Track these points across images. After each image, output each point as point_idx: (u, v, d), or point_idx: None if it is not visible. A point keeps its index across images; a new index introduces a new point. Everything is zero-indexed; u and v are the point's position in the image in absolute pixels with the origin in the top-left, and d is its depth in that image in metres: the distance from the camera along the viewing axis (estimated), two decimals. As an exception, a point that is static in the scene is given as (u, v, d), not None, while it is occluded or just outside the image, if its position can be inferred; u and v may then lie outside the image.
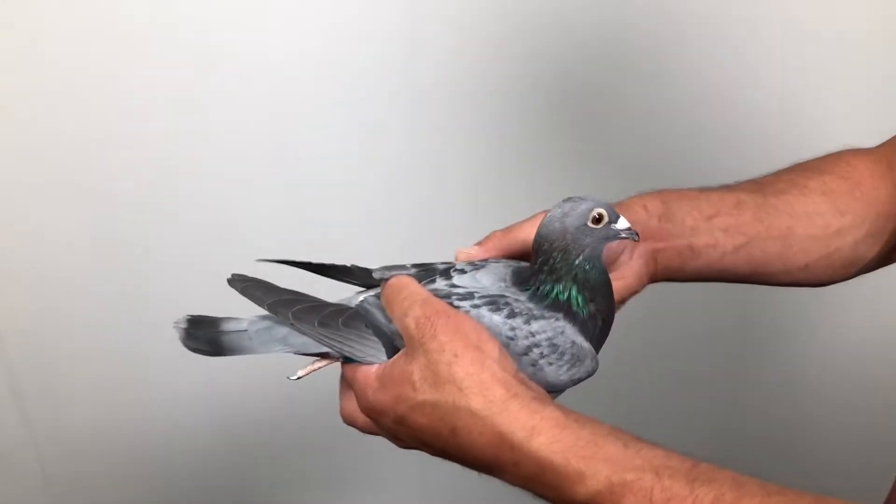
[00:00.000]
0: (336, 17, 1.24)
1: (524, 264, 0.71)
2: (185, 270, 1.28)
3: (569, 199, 0.67)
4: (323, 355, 0.68)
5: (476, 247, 0.74)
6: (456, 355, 0.63)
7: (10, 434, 1.35)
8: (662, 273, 0.80)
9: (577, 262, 0.66)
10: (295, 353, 0.67)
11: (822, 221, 0.80)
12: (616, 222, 0.67)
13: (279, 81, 1.25)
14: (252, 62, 1.24)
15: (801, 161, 0.85)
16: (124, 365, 1.34)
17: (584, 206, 0.67)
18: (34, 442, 1.36)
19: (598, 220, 0.67)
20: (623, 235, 0.68)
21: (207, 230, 1.28)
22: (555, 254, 0.67)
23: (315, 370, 0.68)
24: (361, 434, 0.70)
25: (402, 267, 0.70)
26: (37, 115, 1.20)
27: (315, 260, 0.71)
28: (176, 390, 1.35)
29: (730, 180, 0.84)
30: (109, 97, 1.21)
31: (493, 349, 0.64)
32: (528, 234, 0.73)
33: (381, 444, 0.72)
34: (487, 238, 0.75)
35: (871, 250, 0.81)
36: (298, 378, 0.68)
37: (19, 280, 1.27)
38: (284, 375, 0.69)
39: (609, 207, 0.68)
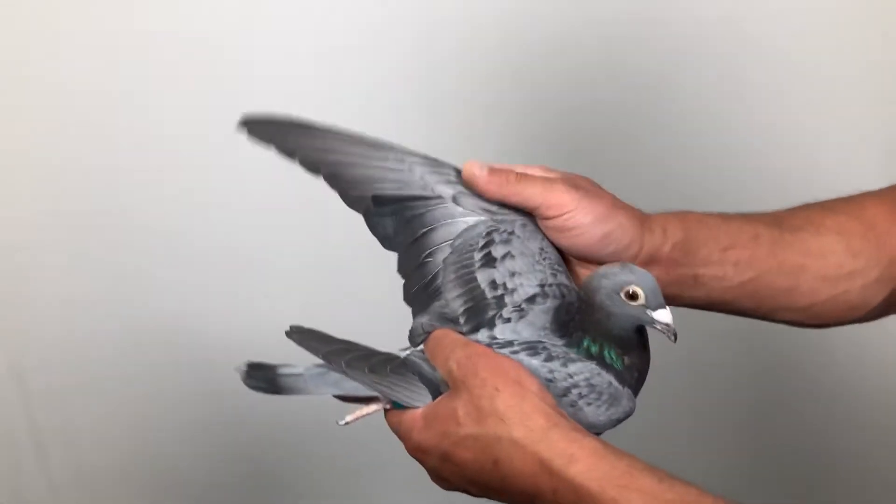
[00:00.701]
0: (344, 35, 1.27)
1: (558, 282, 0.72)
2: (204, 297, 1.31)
3: (623, 265, 0.69)
4: (371, 400, 0.72)
5: (486, 175, 0.73)
6: (497, 389, 0.65)
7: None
8: None
9: (605, 324, 0.68)
10: (346, 396, 0.71)
11: (835, 261, 0.79)
12: (655, 310, 0.67)
13: (287, 98, 1.25)
14: (258, 83, 1.26)
15: (816, 201, 0.85)
16: (148, 404, 1.36)
17: (622, 278, 0.67)
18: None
19: (631, 296, 0.67)
20: (658, 328, 0.67)
21: (227, 257, 1.30)
22: (588, 308, 0.69)
23: (363, 416, 0.72)
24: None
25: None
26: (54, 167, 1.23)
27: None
28: (202, 429, 1.37)
29: (734, 199, 0.85)
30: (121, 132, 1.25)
31: (532, 384, 0.67)
32: (536, 195, 0.72)
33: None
34: (499, 174, 0.73)
35: (878, 296, 0.81)
36: (346, 423, 0.72)
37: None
38: (334, 420, 0.73)
39: (653, 290, 0.67)
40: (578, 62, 1.29)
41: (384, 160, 0.74)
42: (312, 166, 0.74)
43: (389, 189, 0.74)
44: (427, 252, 0.74)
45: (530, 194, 0.72)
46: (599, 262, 0.73)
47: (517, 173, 0.73)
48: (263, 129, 0.74)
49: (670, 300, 0.75)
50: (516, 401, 0.65)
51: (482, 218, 0.74)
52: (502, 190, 0.73)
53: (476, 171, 0.73)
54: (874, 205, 0.83)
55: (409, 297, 0.74)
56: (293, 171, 1.28)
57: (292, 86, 1.27)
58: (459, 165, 0.75)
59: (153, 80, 1.24)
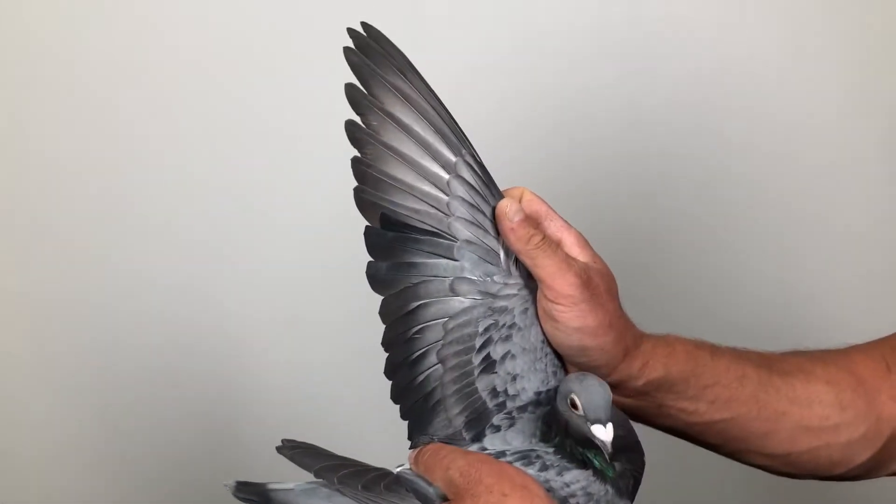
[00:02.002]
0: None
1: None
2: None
3: (580, 374, 0.68)
4: None
5: (516, 223, 0.69)
6: (504, 494, 0.64)
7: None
8: None
9: (572, 431, 0.67)
10: None
11: (821, 412, 0.77)
12: (593, 424, 0.65)
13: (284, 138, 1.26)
14: (255, 120, 1.25)
15: (808, 349, 0.82)
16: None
17: (567, 386, 0.67)
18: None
19: (573, 405, 0.66)
20: (596, 443, 0.65)
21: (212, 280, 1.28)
22: (558, 415, 0.69)
23: None
24: None
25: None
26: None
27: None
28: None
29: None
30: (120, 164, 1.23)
31: (539, 489, 0.65)
32: (543, 270, 0.69)
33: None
34: (527, 228, 0.69)
35: (862, 454, 0.78)
36: None
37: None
38: None
39: (593, 404, 0.65)
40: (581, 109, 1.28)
41: (435, 158, 0.69)
42: (362, 137, 0.69)
43: (404, 211, 0.69)
44: (417, 328, 0.71)
45: (543, 265, 0.69)
46: (573, 364, 0.72)
47: (544, 236, 0.69)
48: (367, 47, 0.69)
49: (630, 418, 0.74)
50: None
51: (479, 300, 0.71)
52: (519, 245, 0.69)
53: (510, 211, 0.69)
54: (862, 360, 0.80)
55: (402, 406, 0.72)
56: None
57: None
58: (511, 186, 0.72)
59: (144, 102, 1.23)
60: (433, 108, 0.69)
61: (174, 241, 1.27)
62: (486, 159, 0.71)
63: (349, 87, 0.69)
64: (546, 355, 0.71)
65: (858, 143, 1.30)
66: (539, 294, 0.70)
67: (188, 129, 1.26)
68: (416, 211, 0.69)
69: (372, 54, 0.69)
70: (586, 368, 0.71)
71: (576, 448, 0.68)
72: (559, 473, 0.68)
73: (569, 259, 0.69)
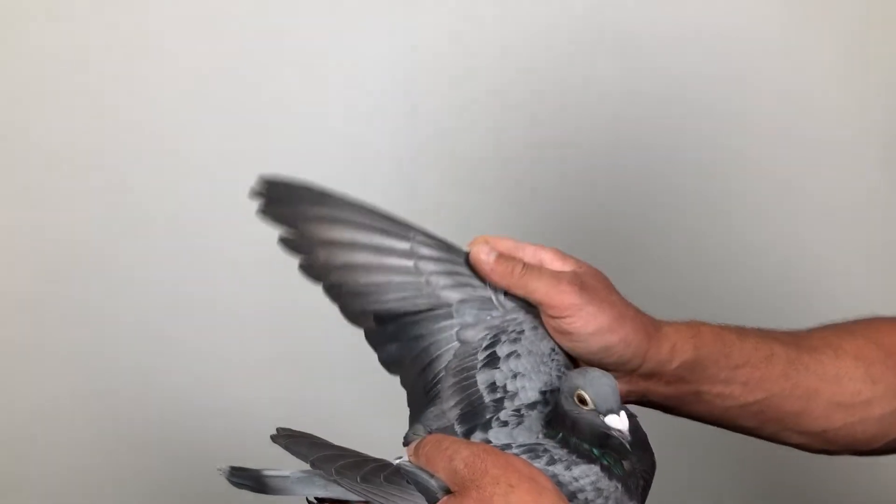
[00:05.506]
0: (334, 77, 1.25)
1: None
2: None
3: (582, 369, 0.67)
4: None
5: (493, 263, 0.70)
6: (511, 486, 0.62)
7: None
8: (649, 405, 0.77)
9: (580, 429, 0.66)
10: (334, 500, 0.68)
11: (852, 388, 0.77)
12: (605, 415, 0.64)
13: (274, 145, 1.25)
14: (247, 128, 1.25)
15: (833, 322, 0.82)
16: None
17: (572, 382, 0.66)
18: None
19: (582, 401, 0.65)
20: (612, 434, 0.65)
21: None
22: (564, 414, 0.67)
23: None
24: None
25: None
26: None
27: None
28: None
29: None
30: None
31: (547, 482, 0.63)
32: (539, 291, 0.70)
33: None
34: (506, 263, 0.71)
35: None
36: None
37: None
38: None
39: (602, 395, 0.65)
40: (574, 112, 1.28)
41: (389, 267, 0.71)
42: (315, 278, 0.71)
43: (392, 303, 0.71)
44: (434, 378, 0.72)
45: (534, 289, 0.70)
46: (604, 367, 0.70)
47: (524, 264, 0.70)
48: (277, 207, 0.71)
49: (668, 412, 0.76)
50: (532, 497, 0.62)
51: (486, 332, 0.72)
52: (506, 281, 0.70)
53: (483, 256, 0.71)
54: (888, 330, 0.80)
55: (410, 403, 0.72)
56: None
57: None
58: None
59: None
60: (365, 215, 0.71)
61: (173, 242, 1.27)
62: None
63: (282, 241, 0.70)
64: (554, 360, 0.70)
65: (860, 118, 1.29)
66: (544, 317, 0.71)
67: (187, 129, 1.25)
68: (403, 298, 0.71)
69: (285, 201, 0.70)
70: (618, 366, 0.70)
71: (582, 446, 0.66)
72: (568, 468, 0.66)
73: (556, 273, 0.70)
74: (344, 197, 0.71)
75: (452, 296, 0.72)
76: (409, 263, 0.71)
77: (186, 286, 1.27)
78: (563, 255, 0.72)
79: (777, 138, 1.30)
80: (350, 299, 0.71)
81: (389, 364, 0.72)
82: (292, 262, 1.28)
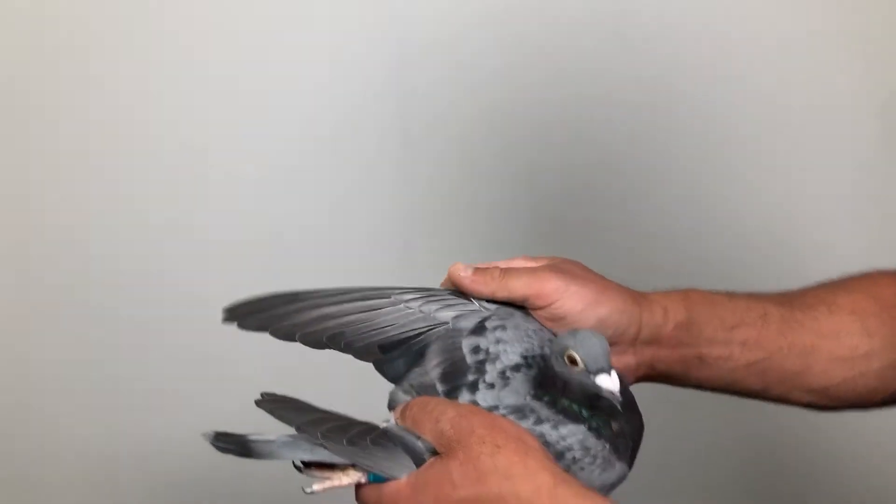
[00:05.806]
0: (326, 70, 1.26)
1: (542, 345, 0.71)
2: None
3: (572, 330, 0.68)
4: (345, 468, 0.68)
5: (471, 275, 0.73)
6: (498, 446, 0.63)
7: None
8: (658, 378, 0.78)
9: (570, 390, 0.66)
10: (321, 463, 0.68)
11: (849, 342, 0.77)
12: (596, 374, 0.65)
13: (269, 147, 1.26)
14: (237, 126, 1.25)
15: (828, 279, 0.83)
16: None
17: (561, 343, 0.66)
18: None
19: (572, 361, 0.66)
20: (602, 394, 0.65)
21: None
22: (554, 376, 0.67)
23: (333, 488, 0.69)
24: None
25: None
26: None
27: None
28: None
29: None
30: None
31: (533, 441, 0.64)
32: (521, 287, 0.71)
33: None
34: (483, 272, 0.73)
35: None
36: (313, 492, 0.68)
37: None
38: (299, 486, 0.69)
39: (592, 354, 0.65)
40: (571, 104, 1.29)
41: (380, 311, 0.74)
42: (315, 343, 0.73)
43: (393, 333, 0.73)
44: (422, 348, 0.74)
45: (516, 286, 0.72)
46: None
47: (501, 269, 0.73)
48: (252, 319, 0.72)
49: (676, 381, 0.77)
50: (520, 457, 0.63)
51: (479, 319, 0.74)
52: (489, 287, 0.72)
53: (461, 272, 0.73)
54: (886, 283, 0.81)
55: (384, 365, 0.73)
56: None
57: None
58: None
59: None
60: (342, 292, 0.74)
61: (173, 240, 1.28)
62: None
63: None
64: (537, 335, 0.71)
65: (858, 74, 1.30)
66: (534, 313, 0.72)
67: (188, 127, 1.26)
68: (402, 326, 0.73)
69: (256, 311, 0.72)
70: (618, 338, 0.72)
71: (571, 407, 0.66)
72: (554, 427, 0.66)
73: (533, 268, 0.72)
74: (314, 289, 0.74)
75: (447, 314, 0.73)
76: (399, 306, 0.74)
77: (186, 286, 1.27)
78: (533, 257, 0.74)
79: (777, 138, 1.31)
80: (352, 345, 0.73)
81: (397, 379, 0.72)
82: (292, 262, 1.31)
